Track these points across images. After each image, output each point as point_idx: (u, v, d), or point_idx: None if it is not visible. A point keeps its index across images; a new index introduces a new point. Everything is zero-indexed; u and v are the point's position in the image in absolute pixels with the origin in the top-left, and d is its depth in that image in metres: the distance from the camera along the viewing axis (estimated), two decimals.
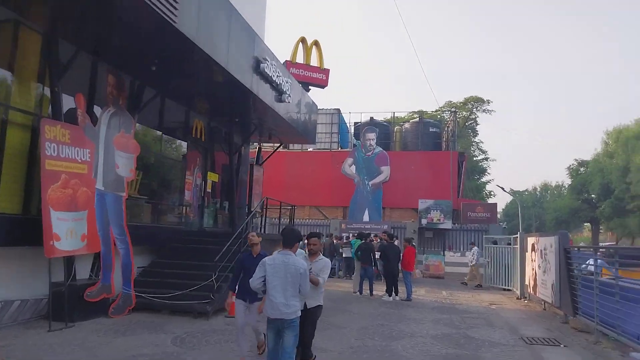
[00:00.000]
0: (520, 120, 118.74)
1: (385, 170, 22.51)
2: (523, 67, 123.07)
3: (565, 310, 8.60)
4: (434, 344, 6.56)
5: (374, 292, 11.63)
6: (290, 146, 24.53)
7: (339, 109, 24.24)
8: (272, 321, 4.24)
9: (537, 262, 10.86)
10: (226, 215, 13.23)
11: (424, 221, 19.69)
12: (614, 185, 36.90)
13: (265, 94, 10.18)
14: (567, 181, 52.19)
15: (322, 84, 16.13)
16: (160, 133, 10.46)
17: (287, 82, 11.05)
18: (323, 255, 5.18)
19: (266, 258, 4.49)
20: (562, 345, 6.70)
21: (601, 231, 49.65)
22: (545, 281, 9.95)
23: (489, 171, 45.55)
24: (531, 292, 11.49)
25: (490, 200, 40.70)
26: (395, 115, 24.75)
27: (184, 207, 11.47)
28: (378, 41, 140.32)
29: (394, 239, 14.18)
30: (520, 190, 76.84)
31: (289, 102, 11.26)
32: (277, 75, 10.41)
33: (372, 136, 23.04)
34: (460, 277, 17.80)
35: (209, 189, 12.55)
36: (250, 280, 4.45)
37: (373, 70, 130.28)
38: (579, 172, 47.09)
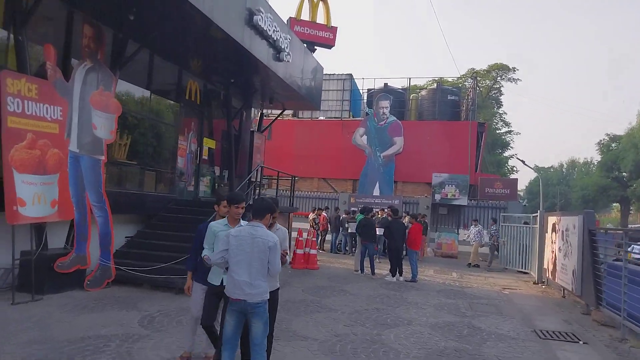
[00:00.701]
0: (549, 92, 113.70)
1: (399, 141, 21.55)
2: (553, 37, 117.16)
3: (587, 300, 7.84)
4: (432, 335, 5.92)
5: (377, 272, 11.02)
6: (300, 114, 23.72)
7: (351, 75, 23.16)
8: (233, 303, 3.63)
9: (557, 244, 10.04)
10: (226, 184, 12.68)
11: (437, 196, 18.86)
12: None
13: (260, 51, 9.35)
14: (597, 158, 50.17)
15: (329, 44, 15.10)
16: (149, 93, 9.79)
17: (286, 39, 10.16)
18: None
19: (232, 230, 3.86)
20: (581, 342, 5.98)
21: (631, 212, 47.89)
22: (566, 266, 9.15)
23: (512, 145, 43.84)
24: (550, 277, 10.72)
25: (513, 177, 39.36)
26: (412, 83, 23.49)
27: (177, 175, 10.92)
28: (396, 3, 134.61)
29: (404, 215, 13.49)
30: (546, 166, 75.08)
31: (288, 61, 10.41)
32: (274, 31, 9.53)
33: (385, 104, 21.97)
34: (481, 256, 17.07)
35: (205, 156, 11.96)
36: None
37: (389, 36, 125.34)
38: (611, 148, 45.03)
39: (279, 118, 23.55)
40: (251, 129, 13.40)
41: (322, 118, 23.46)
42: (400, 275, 10.65)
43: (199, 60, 10.34)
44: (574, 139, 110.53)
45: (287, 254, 4.21)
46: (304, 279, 10.00)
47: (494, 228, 14.77)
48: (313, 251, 11.61)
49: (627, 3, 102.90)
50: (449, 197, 18.66)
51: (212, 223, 4.31)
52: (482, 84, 40.23)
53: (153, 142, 10.18)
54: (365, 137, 22.19)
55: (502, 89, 42.08)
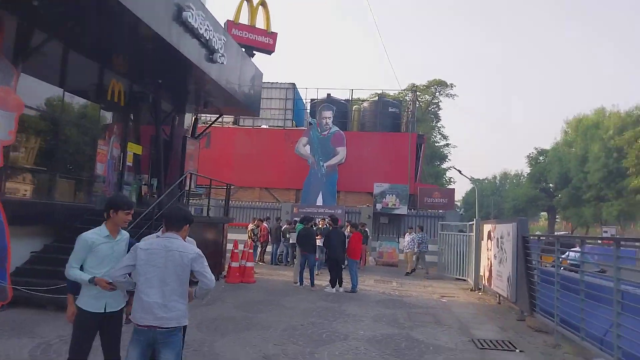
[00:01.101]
0: (483, 108, 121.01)
1: (342, 152, 21.49)
2: (488, 54, 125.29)
3: (522, 306, 7.87)
4: (368, 350, 5.56)
5: (316, 283, 10.60)
6: (241, 122, 23.07)
7: (294, 84, 22.91)
8: (140, 331, 3.02)
9: (493, 251, 10.16)
10: (154, 193, 11.76)
11: (378, 206, 18.88)
12: (571, 174, 37.75)
13: (190, 50, 8.73)
14: (526, 170, 53.43)
15: (269, 49, 14.72)
16: (62, 91, 8.82)
17: (220, 40, 9.61)
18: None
19: (140, 242, 3.25)
20: (517, 350, 5.87)
21: (557, 220, 51.27)
22: (501, 273, 9.24)
23: (449, 157, 45.66)
24: (486, 283, 10.84)
25: (450, 187, 40.77)
26: (354, 95, 23.69)
27: (95, 182, 9.92)
28: (343, 26, 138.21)
29: (347, 224, 13.24)
30: (481, 178, 79.00)
31: (223, 63, 9.85)
32: (207, 30, 8.96)
33: (328, 114, 21.89)
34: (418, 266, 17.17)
35: (129, 162, 11.02)
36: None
37: (333, 49, 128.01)
38: (538, 160, 48.15)
39: (217, 125, 22.86)
40: (184, 135, 12.60)
41: (264, 127, 22.93)
42: (340, 286, 10.31)
43: (122, 58, 9.52)
44: (506, 152, 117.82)
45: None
46: (238, 293, 9.38)
47: (420, 235, 14.93)
48: (250, 263, 10.99)
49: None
50: (389, 206, 18.74)
51: (85, 234, 3.38)
52: (422, 98, 41.69)
53: (67, 146, 9.17)
54: (308, 146, 21.93)
55: (440, 104, 43.89)
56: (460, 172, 14.44)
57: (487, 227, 10.99)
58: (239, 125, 23.04)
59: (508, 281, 8.62)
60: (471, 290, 11.89)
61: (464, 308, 9.14)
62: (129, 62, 9.78)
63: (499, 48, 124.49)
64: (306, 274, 10.70)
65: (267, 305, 8.13)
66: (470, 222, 13.23)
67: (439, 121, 44.61)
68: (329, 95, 22.92)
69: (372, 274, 14.33)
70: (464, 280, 13.45)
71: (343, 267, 10.64)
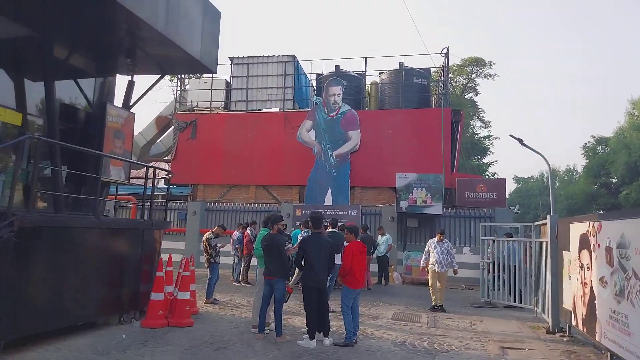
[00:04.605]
0: (528, 94, 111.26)
1: (355, 136, 17.37)
2: (529, 32, 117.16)
3: None
4: None
5: (283, 330, 6.55)
6: (233, 107, 19.35)
7: (294, 56, 18.93)
8: None
9: (595, 271, 5.86)
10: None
11: (404, 204, 14.63)
12: None
13: None
14: (581, 164, 47.55)
15: None
16: None
17: None
18: None
19: None
20: None
21: None
22: (623, 315, 4.95)
23: (492, 150, 40.47)
24: (579, 325, 6.49)
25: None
26: (370, 66, 19.53)
27: None
28: None
29: (338, 227, 9.19)
30: (525, 177, 72.71)
31: None
32: None
33: (337, 90, 17.82)
34: (455, 283, 12.93)
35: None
36: None
37: (342, 10, 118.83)
38: (597, 151, 42.34)
39: (202, 111, 19.00)
40: (104, 100, 8.85)
41: (267, 111, 19.12)
42: (327, 334, 6.24)
43: None
44: (553, 146, 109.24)
45: None
46: (146, 350, 5.55)
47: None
48: (184, 294, 7.08)
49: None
50: (418, 203, 14.45)
51: None
52: (456, 82, 36.97)
53: None
54: (313, 132, 17.96)
55: (477, 87, 38.94)
56: (522, 142, 10.08)
57: (578, 228, 6.64)
58: (230, 111, 19.32)
59: None
60: (548, 332, 7.58)
61: None
62: None
63: (538, 22, 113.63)
64: (272, 310, 6.68)
65: None
66: (540, 222, 8.86)
67: (477, 109, 39.64)
68: (337, 67, 18.84)
69: (393, 301, 10.27)
70: (521, 308, 9.40)
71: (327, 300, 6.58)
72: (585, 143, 43.89)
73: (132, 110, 9.46)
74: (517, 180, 72.04)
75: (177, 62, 9.10)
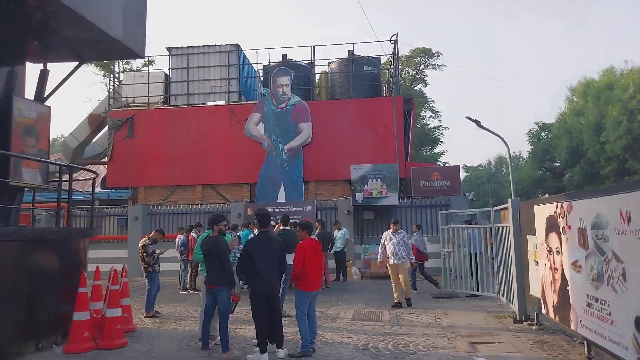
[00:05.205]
0: (470, 86, 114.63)
1: (306, 128, 16.70)
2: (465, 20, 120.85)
3: None
4: None
5: (230, 345, 5.79)
6: (172, 101, 18.12)
7: (237, 45, 17.97)
8: None
9: (566, 255, 5.50)
10: None
11: (359, 196, 14.14)
12: (585, 147, 33.52)
13: None
14: (526, 151, 49.36)
15: None
16: None
17: None
18: None
19: None
20: None
21: None
22: (601, 301, 4.57)
23: (442, 140, 41.13)
24: (550, 313, 6.15)
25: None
26: (318, 55, 18.86)
27: None
28: None
29: (278, 225, 8.51)
30: (474, 165, 75.10)
31: None
32: None
33: (285, 81, 17.06)
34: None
35: None
36: None
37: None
38: (540, 137, 44.01)
39: (139, 106, 17.57)
40: (8, 92, 7.65)
41: (211, 104, 17.99)
42: (280, 345, 5.53)
43: None
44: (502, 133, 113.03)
45: None
46: None
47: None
48: (114, 311, 6.12)
49: None
50: (374, 195, 14.01)
51: None
52: (405, 73, 37.14)
53: None
54: (262, 125, 17.11)
55: (426, 79, 39.35)
56: (479, 124, 9.78)
57: (544, 210, 6.29)
58: (170, 106, 18.07)
59: (636, 324, 3.96)
60: (515, 321, 7.24)
61: None
62: None
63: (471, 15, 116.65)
64: (217, 323, 5.88)
65: None
66: (501, 206, 8.56)
67: (427, 100, 40.07)
68: (284, 56, 18.06)
69: (353, 299, 9.70)
70: (476, 296, 9.22)
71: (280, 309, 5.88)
72: (530, 130, 45.54)
73: (47, 103, 8.28)
74: (467, 169, 74.33)
75: (96, 46, 8.04)
